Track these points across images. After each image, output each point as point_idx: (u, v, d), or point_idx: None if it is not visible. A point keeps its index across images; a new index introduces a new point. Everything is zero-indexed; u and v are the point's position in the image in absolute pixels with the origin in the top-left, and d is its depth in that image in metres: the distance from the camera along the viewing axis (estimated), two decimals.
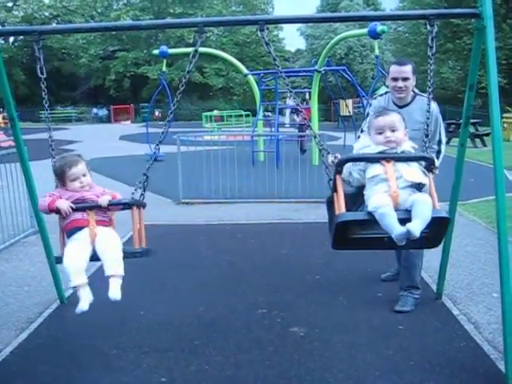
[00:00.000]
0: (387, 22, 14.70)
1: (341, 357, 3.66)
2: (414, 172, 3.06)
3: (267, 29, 3.44)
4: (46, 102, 3.56)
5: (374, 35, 11.01)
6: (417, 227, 2.83)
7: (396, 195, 2.97)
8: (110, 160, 15.08)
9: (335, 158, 3.31)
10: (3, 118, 31.70)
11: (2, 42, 35.22)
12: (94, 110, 43.83)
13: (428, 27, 3.38)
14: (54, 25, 39.75)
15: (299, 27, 47.39)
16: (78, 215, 3.18)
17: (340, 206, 3.05)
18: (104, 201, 3.18)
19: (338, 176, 3.15)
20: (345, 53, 41.34)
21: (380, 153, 3.12)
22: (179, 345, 3.88)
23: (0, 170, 6.73)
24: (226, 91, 44.80)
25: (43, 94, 3.57)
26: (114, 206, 3.31)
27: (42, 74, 3.51)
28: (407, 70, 4.08)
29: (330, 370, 3.49)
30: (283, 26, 41.13)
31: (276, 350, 3.79)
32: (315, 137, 3.62)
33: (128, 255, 3.29)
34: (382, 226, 2.92)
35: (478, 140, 17.78)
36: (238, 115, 28.53)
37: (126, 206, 3.33)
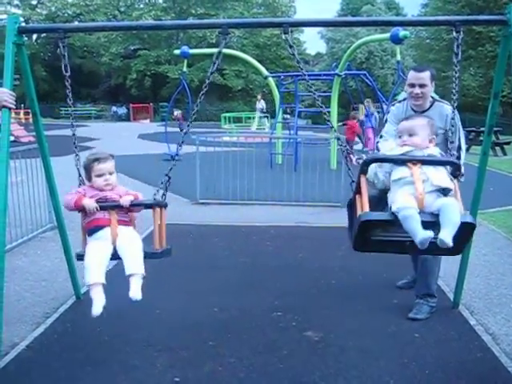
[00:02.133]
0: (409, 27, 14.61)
1: (355, 363, 3.64)
2: (441, 176, 3.02)
3: (291, 32, 3.44)
4: (69, 100, 3.63)
5: (396, 40, 10.93)
6: (448, 236, 2.79)
7: (422, 198, 2.92)
8: (128, 158, 15.14)
9: (360, 158, 3.28)
10: (24, 114, 32.07)
11: (26, 38, 35.59)
12: (114, 108, 44.08)
13: (454, 34, 3.36)
14: (77, 23, 40.18)
15: (320, 30, 47.45)
16: (100, 214, 3.21)
17: (364, 205, 3.01)
18: (126, 201, 3.22)
19: (362, 176, 3.12)
20: (365, 57, 41.24)
21: (405, 155, 3.09)
22: (193, 345, 3.89)
23: (20, 165, 6.79)
24: (245, 93, 44.82)
25: (67, 91, 3.64)
26: (136, 206, 3.34)
27: (66, 71, 3.57)
28: (425, 76, 4.03)
29: (343, 375, 3.47)
30: (304, 28, 41.06)
31: (290, 353, 3.77)
32: (338, 139, 3.60)
33: (148, 255, 3.32)
34: (405, 229, 2.87)
35: (498, 148, 17.59)
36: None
37: (148, 206, 3.36)
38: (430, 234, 2.79)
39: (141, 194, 3.41)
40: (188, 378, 3.43)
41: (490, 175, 5.61)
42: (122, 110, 43.66)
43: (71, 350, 3.81)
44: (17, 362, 3.60)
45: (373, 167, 3.16)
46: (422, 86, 4.04)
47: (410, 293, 4.68)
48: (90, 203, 3.16)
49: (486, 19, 4.02)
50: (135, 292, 3.13)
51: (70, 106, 3.63)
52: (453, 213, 2.85)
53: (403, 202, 2.89)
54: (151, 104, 42.05)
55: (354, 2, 50.56)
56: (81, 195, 3.19)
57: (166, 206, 3.54)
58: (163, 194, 3.57)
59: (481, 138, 15.49)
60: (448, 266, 5.44)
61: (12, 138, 14.21)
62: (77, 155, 3.59)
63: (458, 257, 4.64)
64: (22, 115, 32.10)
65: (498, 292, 5.02)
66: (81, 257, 3.31)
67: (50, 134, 14.77)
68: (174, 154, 3.66)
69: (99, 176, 3.24)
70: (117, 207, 3.22)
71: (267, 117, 19.94)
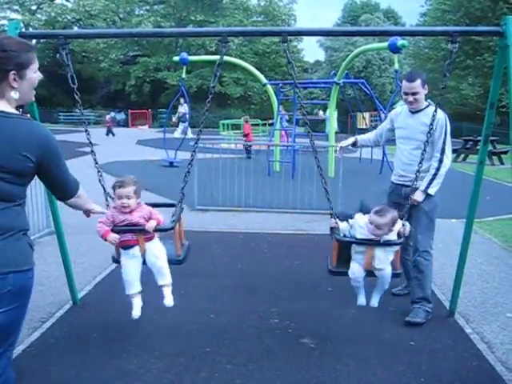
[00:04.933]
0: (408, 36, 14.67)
1: (351, 370, 3.65)
2: (384, 258, 3.68)
3: (290, 41, 3.48)
4: (80, 105, 3.83)
5: (395, 49, 11.01)
6: (376, 301, 3.93)
7: (367, 267, 3.73)
8: (127, 164, 15.17)
9: (336, 223, 3.83)
10: None
11: None
12: (112, 114, 44.16)
13: (449, 45, 3.44)
14: (78, 29, 40.29)
15: (319, 39, 47.69)
16: (129, 236, 3.58)
17: (333, 260, 3.93)
18: (151, 227, 3.53)
19: (335, 241, 3.86)
20: (363, 66, 41.41)
21: (368, 239, 3.66)
22: (190, 351, 3.90)
23: None
24: (243, 100, 44.91)
25: (77, 105, 3.79)
26: (159, 231, 3.68)
27: (73, 83, 3.70)
28: (416, 85, 4.38)
29: (339, 383, 3.49)
30: (303, 37, 41.22)
31: (286, 360, 3.79)
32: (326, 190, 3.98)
33: (173, 263, 3.77)
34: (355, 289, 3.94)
35: (495, 158, 17.65)
36: (255, 124, 28.60)
37: (169, 229, 3.68)
38: (363, 303, 3.93)
39: (161, 216, 3.63)
40: None
41: (487, 184, 5.65)
42: (121, 116, 43.68)
43: (67, 355, 3.81)
44: (13, 367, 3.58)
45: (343, 230, 3.83)
46: (414, 93, 4.41)
47: (406, 300, 4.71)
48: (113, 240, 3.52)
49: (482, 30, 4.07)
50: (169, 300, 3.74)
51: (84, 123, 4.17)
52: (384, 283, 3.83)
53: (354, 273, 3.75)
54: (150, 110, 42.09)
55: (353, 11, 50.87)
56: (107, 230, 3.50)
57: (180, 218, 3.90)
58: (180, 205, 3.80)
59: (478, 147, 15.57)
60: (444, 274, 5.47)
61: None
62: (99, 171, 3.86)
63: (454, 265, 4.67)
64: None
65: (493, 301, 5.04)
66: (115, 260, 3.80)
67: None
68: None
69: (118, 199, 3.52)
70: (142, 231, 3.55)
71: (186, 121, 19.98)
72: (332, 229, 3.89)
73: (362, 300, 3.94)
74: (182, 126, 23.62)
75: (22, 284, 2.41)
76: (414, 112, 4.51)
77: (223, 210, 9.07)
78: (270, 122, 23.32)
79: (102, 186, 3.78)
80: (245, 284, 5.40)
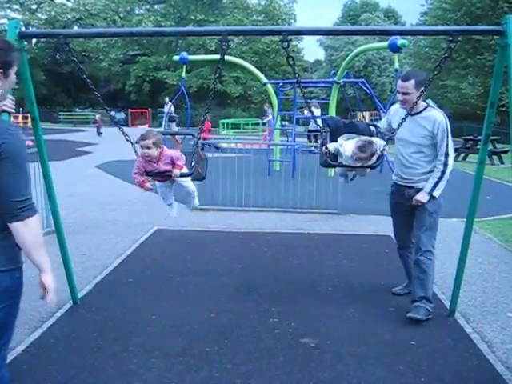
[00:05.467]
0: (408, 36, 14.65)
1: (351, 370, 3.65)
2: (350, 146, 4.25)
3: (290, 40, 3.48)
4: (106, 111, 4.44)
5: (395, 49, 10.99)
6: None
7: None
8: (126, 163, 15.12)
9: (326, 148, 4.38)
10: (22, 118, 32.08)
11: (25, 43, 35.61)
12: (112, 113, 44.11)
13: (451, 44, 3.44)
14: (78, 28, 40.27)
15: (319, 38, 47.61)
16: (159, 178, 4.43)
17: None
18: (176, 174, 4.21)
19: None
20: (363, 65, 41.41)
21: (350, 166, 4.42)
22: (190, 351, 3.90)
23: None
24: (243, 99, 44.88)
25: (100, 100, 4.06)
26: (182, 176, 4.33)
27: (82, 74, 3.80)
28: (408, 85, 4.30)
29: (340, 382, 3.49)
30: (303, 36, 41.18)
31: (286, 360, 3.78)
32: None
33: (196, 179, 4.59)
34: None
35: (495, 157, 17.64)
36: (255, 123, 28.59)
37: (190, 175, 4.38)
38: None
39: (183, 159, 4.28)
40: None
41: (487, 184, 5.64)
42: (121, 115, 43.68)
43: (68, 355, 3.81)
44: (13, 366, 3.59)
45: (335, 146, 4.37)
46: (405, 93, 4.33)
47: (406, 300, 4.70)
48: (148, 188, 4.33)
49: (482, 29, 4.07)
50: (195, 202, 4.86)
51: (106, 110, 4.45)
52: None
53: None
54: (150, 109, 42.08)
55: (353, 10, 50.84)
56: (143, 180, 4.28)
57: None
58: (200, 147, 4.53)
59: (478, 147, 15.54)
60: (444, 274, 5.47)
61: None
62: (126, 136, 4.21)
63: (454, 265, 4.67)
64: (20, 119, 32.11)
65: (493, 300, 5.03)
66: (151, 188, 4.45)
67: (48, 138, 14.79)
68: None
69: (142, 148, 4.17)
70: (170, 176, 4.25)
71: (174, 121, 19.99)
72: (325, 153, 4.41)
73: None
74: (171, 124, 23.62)
75: (8, 284, 2.38)
76: (412, 114, 4.39)
77: (223, 209, 9.06)
78: (263, 121, 23.79)
79: (129, 140, 4.21)
80: (245, 283, 5.40)
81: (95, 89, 3.98)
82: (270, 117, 21.86)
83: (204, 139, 17.86)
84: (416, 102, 4.17)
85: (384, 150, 4.22)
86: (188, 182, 4.63)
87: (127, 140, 4.21)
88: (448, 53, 3.55)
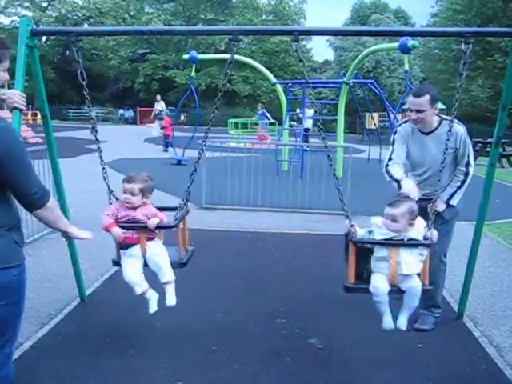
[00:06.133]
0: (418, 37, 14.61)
1: (359, 372, 3.64)
2: (412, 263, 3.28)
3: (301, 40, 3.47)
4: (89, 102, 3.77)
5: (405, 50, 10.95)
6: (404, 322, 3.44)
7: (394, 279, 3.32)
8: (135, 161, 15.20)
9: (352, 226, 3.49)
10: (32, 115, 32.26)
11: (36, 40, 35.78)
12: (121, 111, 44.23)
13: (463, 46, 3.40)
14: (88, 26, 40.39)
15: (328, 38, 47.44)
16: (130, 233, 3.50)
17: (351, 275, 3.43)
18: (153, 224, 3.43)
19: (351, 244, 3.39)
20: (373, 66, 41.23)
21: (389, 239, 3.31)
22: (197, 350, 3.89)
23: None
24: (252, 99, 44.87)
25: (86, 100, 3.80)
26: (161, 228, 3.59)
27: (82, 79, 3.67)
28: (422, 101, 3.95)
29: None
30: (313, 36, 41.12)
31: (294, 360, 3.77)
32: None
33: (175, 265, 3.64)
34: (377, 308, 3.43)
35: (504, 160, 17.55)
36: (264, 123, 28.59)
37: (172, 227, 3.60)
38: (391, 326, 3.41)
39: (165, 215, 3.59)
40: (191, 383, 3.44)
41: (497, 187, 5.60)
42: (129, 114, 43.79)
43: (75, 352, 3.82)
44: (21, 362, 3.61)
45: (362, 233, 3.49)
46: (419, 111, 3.97)
47: None
48: (116, 233, 3.46)
49: (495, 31, 4.02)
50: (171, 299, 3.60)
51: (92, 120, 4.06)
52: (413, 300, 3.36)
53: (377, 286, 3.33)
54: None
55: (363, 11, 50.66)
56: (112, 222, 3.45)
57: (187, 213, 3.85)
58: (186, 206, 3.76)
59: (487, 149, 15.47)
60: (453, 277, 5.43)
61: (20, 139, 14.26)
62: (104, 168, 3.77)
63: (463, 268, 4.64)
64: (29, 116, 32.28)
65: (502, 304, 5.00)
66: (115, 263, 3.72)
67: (57, 135, 14.84)
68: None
69: (124, 193, 3.46)
70: (144, 228, 3.46)
71: (162, 119, 20.08)
72: (347, 234, 3.47)
73: (388, 321, 3.40)
74: (158, 123, 23.79)
75: (6, 281, 2.37)
76: (426, 133, 4.10)
77: (231, 208, 9.06)
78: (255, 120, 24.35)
79: (107, 183, 3.70)
80: (252, 283, 5.39)
81: (88, 90, 3.71)
82: (260, 112, 22.55)
83: (167, 136, 18.04)
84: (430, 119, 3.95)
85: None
86: (164, 258, 3.55)
87: (106, 183, 3.68)
88: (464, 58, 3.36)
